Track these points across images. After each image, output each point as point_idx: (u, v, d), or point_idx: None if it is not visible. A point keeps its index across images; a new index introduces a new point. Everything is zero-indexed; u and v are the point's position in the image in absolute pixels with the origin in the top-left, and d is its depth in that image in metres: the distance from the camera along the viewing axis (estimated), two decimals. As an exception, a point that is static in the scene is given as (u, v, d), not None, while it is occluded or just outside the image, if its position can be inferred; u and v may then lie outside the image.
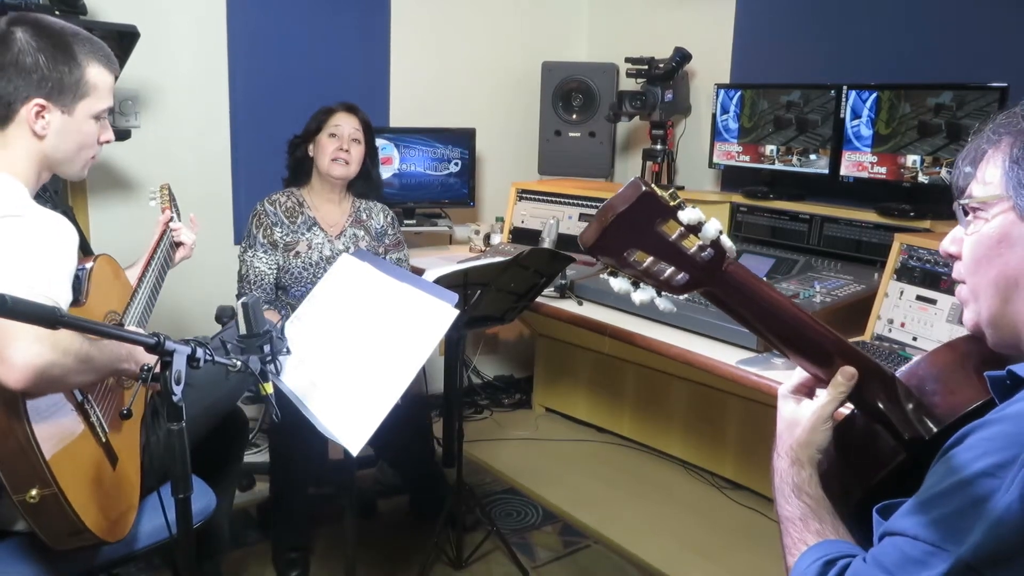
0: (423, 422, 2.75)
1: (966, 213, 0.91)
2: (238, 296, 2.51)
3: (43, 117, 1.52)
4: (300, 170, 2.70)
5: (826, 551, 0.89)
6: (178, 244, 2.09)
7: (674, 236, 0.84)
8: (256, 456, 3.08)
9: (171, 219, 2.07)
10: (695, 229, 0.85)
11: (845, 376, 0.96)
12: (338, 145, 2.60)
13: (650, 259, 0.85)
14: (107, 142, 1.65)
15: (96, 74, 1.57)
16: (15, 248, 1.38)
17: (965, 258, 0.91)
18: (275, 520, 2.50)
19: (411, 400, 2.60)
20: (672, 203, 0.83)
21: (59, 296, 1.37)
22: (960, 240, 0.93)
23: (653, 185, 0.82)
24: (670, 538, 2.74)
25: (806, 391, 1.04)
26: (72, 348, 1.32)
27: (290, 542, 2.46)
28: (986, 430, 0.77)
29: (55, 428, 1.38)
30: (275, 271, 2.57)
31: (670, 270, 0.86)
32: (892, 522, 0.82)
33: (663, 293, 0.88)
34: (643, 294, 0.88)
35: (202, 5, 3.03)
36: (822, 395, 0.99)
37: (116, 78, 1.64)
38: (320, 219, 2.65)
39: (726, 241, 0.87)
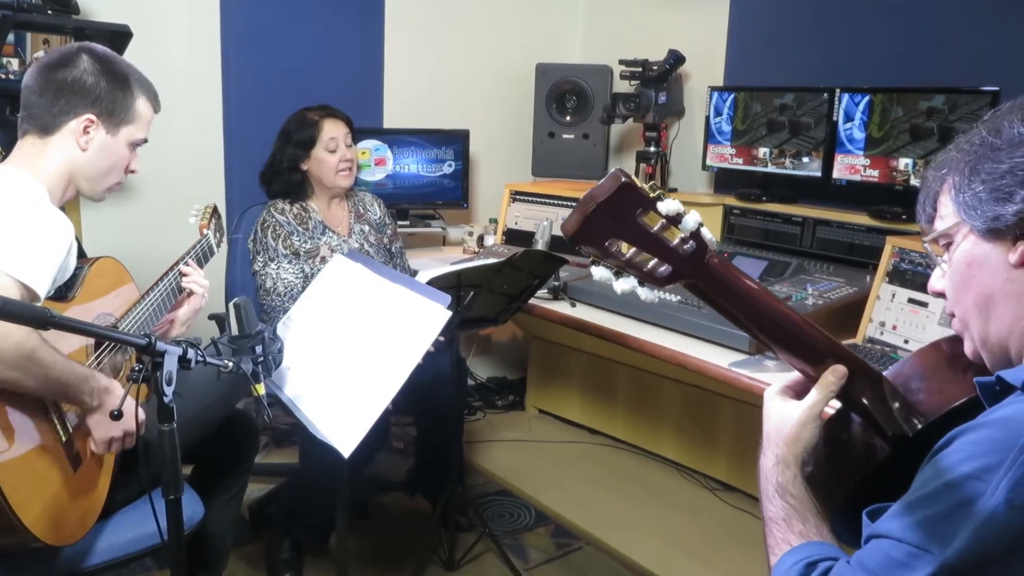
0: (464, 398, 2.65)
1: (938, 252, 0.95)
2: (262, 308, 2.46)
3: (89, 132, 1.63)
4: (295, 187, 2.58)
5: (809, 552, 0.89)
6: (189, 293, 1.86)
7: (656, 228, 0.85)
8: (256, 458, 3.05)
9: (199, 243, 1.96)
10: (675, 220, 0.85)
11: (837, 375, 0.97)
12: (340, 157, 2.55)
13: (633, 250, 0.86)
14: (133, 172, 1.75)
15: (143, 106, 1.71)
16: (19, 232, 1.45)
17: (948, 291, 0.94)
18: (293, 520, 2.47)
19: (458, 367, 2.59)
20: (651, 194, 0.84)
21: (36, 283, 1.40)
22: (942, 276, 0.96)
23: (634, 176, 0.83)
24: (662, 539, 2.74)
25: (793, 394, 1.04)
26: (13, 337, 1.30)
27: (306, 540, 2.46)
28: (973, 434, 0.78)
29: (4, 415, 1.37)
30: (303, 280, 2.47)
31: (653, 262, 0.87)
32: (878, 525, 0.82)
33: (645, 283, 0.89)
34: (625, 283, 0.88)
35: (196, 5, 3.03)
36: (811, 394, 0.99)
37: (155, 114, 1.76)
38: (327, 221, 2.60)
39: (706, 233, 0.88)
